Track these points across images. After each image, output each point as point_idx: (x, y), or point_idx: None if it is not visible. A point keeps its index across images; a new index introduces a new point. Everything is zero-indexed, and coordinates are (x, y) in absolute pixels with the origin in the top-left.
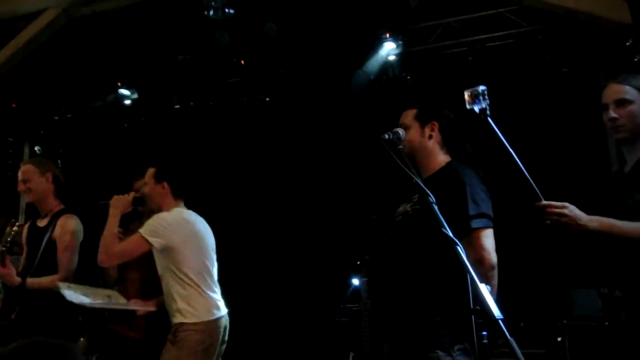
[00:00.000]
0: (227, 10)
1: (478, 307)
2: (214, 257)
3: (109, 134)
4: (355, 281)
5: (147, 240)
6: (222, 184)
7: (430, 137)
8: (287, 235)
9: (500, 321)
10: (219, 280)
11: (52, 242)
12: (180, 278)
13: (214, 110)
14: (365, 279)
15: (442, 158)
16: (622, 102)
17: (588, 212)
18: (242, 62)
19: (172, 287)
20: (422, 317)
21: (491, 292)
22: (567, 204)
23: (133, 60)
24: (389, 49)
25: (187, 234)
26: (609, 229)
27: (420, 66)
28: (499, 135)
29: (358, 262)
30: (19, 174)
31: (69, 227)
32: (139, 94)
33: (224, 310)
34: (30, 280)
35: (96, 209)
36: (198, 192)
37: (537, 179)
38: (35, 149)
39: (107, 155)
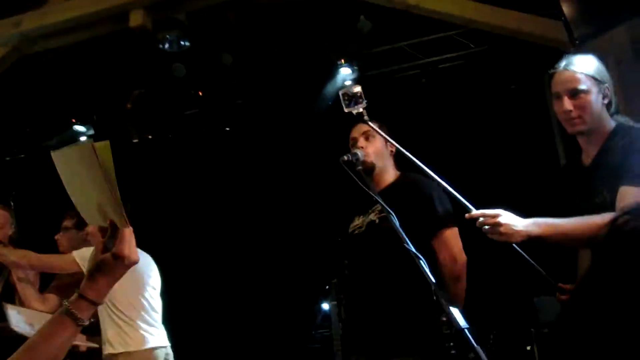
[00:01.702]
0: (182, 42)
1: (444, 319)
2: (154, 291)
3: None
4: (325, 305)
5: (77, 263)
6: (183, 216)
7: (392, 152)
8: (252, 263)
9: (466, 330)
10: (187, 311)
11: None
12: (112, 310)
13: (172, 142)
14: (335, 302)
15: (394, 171)
16: (576, 92)
17: (550, 213)
18: (200, 93)
19: (104, 318)
20: (393, 331)
21: (459, 294)
22: (499, 212)
23: (88, 96)
24: (344, 74)
25: None
26: (553, 231)
27: (376, 89)
28: (385, 138)
29: (327, 286)
30: None
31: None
32: (94, 130)
33: (162, 342)
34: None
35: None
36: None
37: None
38: None
39: (61, 194)
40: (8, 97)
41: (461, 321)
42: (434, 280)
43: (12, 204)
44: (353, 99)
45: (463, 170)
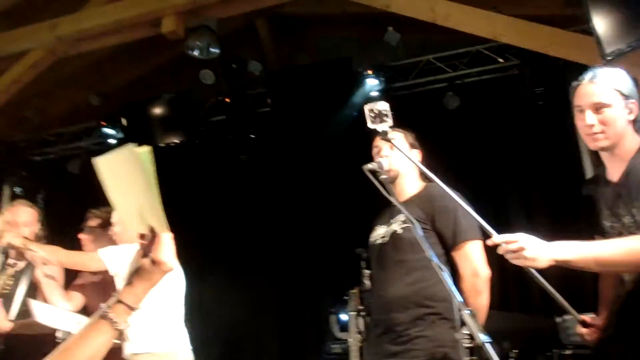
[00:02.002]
0: (211, 49)
1: (467, 332)
2: (177, 292)
3: (91, 175)
4: (344, 316)
5: (102, 262)
6: (206, 223)
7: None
8: (271, 271)
9: (487, 345)
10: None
11: (33, 285)
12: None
13: (199, 148)
14: (354, 312)
15: (420, 182)
16: (600, 107)
17: (576, 234)
18: (227, 100)
19: None
20: (421, 333)
21: (480, 309)
22: (522, 235)
23: (117, 98)
24: (371, 85)
25: None
26: (581, 256)
27: (402, 101)
28: (415, 162)
29: (345, 297)
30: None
31: (52, 268)
32: (123, 133)
33: (182, 345)
34: (19, 326)
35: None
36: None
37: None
38: (16, 190)
39: (89, 195)
40: (43, 97)
41: (482, 335)
42: (456, 293)
43: (41, 202)
44: (379, 116)
45: (489, 186)
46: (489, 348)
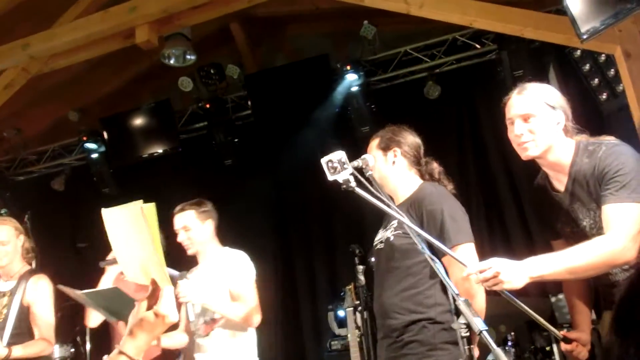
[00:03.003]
0: (187, 56)
1: (464, 322)
2: None
3: (77, 190)
4: (341, 312)
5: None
6: None
7: (394, 163)
8: (263, 275)
9: (485, 332)
10: None
11: (23, 307)
12: None
13: (183, 156)
14: (351, 308)
15: (412, 181)
16: (527, 117)
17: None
18: (208, 105)
19: None
20: (413, 338)
21: (477, 305)
22: (493, 262)
23: (96, 112)
24: (350, 80)
25: None
26: (554, 269)
27: (382, 94)
28: (372, 201)
29: (342, 293)
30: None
31: (43, 288)
32: (105, 147)
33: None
34: (16, 349)
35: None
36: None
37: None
38: (1, 211)
39: (75, 212)
40: (20, 116)
41: (480, 323)
42: (451, 284)
43: (27, 222)
44: (337, 166)
45: (475, 173)
46: (486, 335)
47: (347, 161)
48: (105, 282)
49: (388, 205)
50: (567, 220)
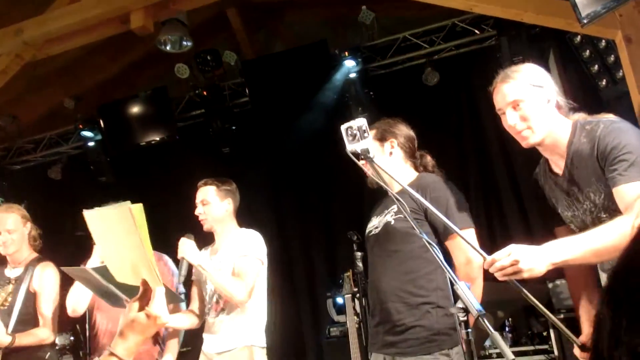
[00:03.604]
0: (184, 42)
1: (462, 306)
2: None
3: (74, 178)
4: (339, 299)
5: (262, 262)
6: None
7: (391, 154)
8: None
9: (482, 317)
10: None
11: (30, 294)
12: None
13: (180, 144)
14: (349, 295)
15: (408, 172)
16: (516, 104)
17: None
18: (205, 93)
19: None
20: (416, 323)
21: (478, 289)
22: (512, 250)
23: (93, 99)
24: (348, 67)
25: None
26: (577, 252)
27: (381, 80)
28: (394, 179)
29: (340, 280)
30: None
31: (49, 276)
32: (101, 135)
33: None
34: (19, 336)
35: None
36: (170, 222)
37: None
38: None
39: (72, 200)
40: (15, 104)
41: (477, 307)
42: (449, 268)
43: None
44: (357, 133)
45: (471, 160)
46: (484, 320)
47: (368, 129)
48: (94, 262)
49: (386, 186)
50: (569, 204)
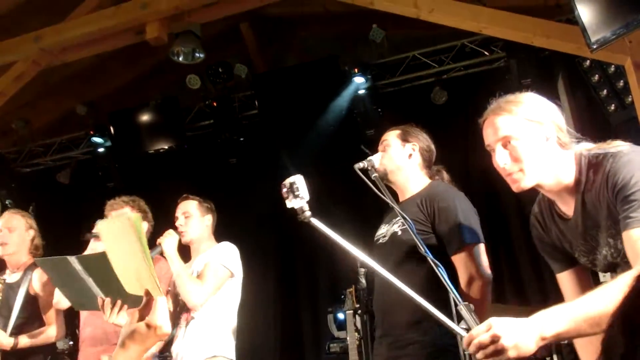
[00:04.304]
0: (196, 54)
1: (465, 327)
2: None
3: (82, 184)
4: (341, 315)
5: (231, 272)
6: None
7: (411, 156)
8: (265, 274)
9: None
10: None
11: (30, 297)
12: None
13: (188, 154)
14: (351, 311)
15: (422, 179)
16: (507, 141)
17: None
18: (215, 104)
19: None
20: (418, 338)
21: (483, 307)
22: (490, 323)
23: (104, 106)
24: (358, 83)
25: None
26: (572, 324)
27: (390, 98)
28: (327, 234)
29: (342, 296)
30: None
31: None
32: (111, 141)
33: None
34: (23, 339)
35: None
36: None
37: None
38: (7, 202)
39: (80, 205)
40: (29, 108)
41: None
42: (453, 289)
43: (31, 213)
44: (290, 191)
45: (476, 182)
46: None
47: (304, 189)
48: None
49: (393, 203)
50: (588, 250)
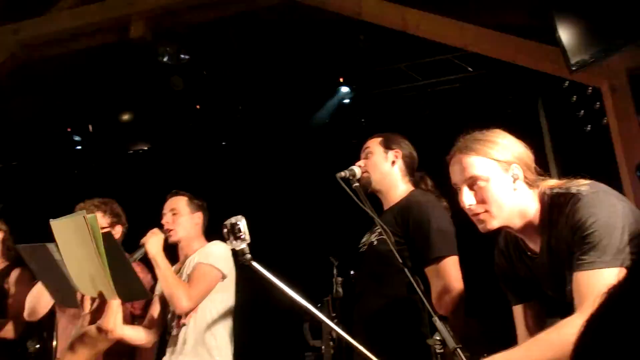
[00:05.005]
0: (181, 55)
1: (439, 338)
2: None
3: (58, 181)
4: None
5: (222, 274)
6: None
7: (394, 163)
8: (241, 281)
9: (458, 350)
10: None
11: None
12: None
13: (170, 155)
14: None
15: (405, 187)
16: (473, 181)
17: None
18: (197, 107)
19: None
20: (387, 352)
21: (457, 320)
22: None
23: (85, 105)
24: (343, 93)
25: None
26: None
27: (374, 109)
28: (267, 277)
29: (319, 304)
30: None
31: (22, 275)
32: (90, 140)
33: None
34: None
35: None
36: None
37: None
38: None
39: (54, 203)
40: (6, 103)
41: (454, 341)
42: (427, 301)
43: None
44: (232, 232)
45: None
46: (460, 353)
47: (246, 231)
48: None
49: (373, 214)
50: (552, 286)
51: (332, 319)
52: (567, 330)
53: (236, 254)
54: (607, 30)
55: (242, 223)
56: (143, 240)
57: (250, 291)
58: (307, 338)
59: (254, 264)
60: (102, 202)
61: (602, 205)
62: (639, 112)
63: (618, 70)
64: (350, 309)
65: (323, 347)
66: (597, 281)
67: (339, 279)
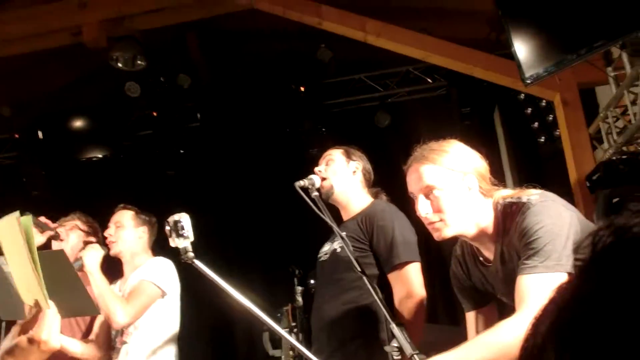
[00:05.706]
0: (137, 61)
1: (397, 345)
2: None
3: (4, 190)
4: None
5: (163, 291)
6: None
7: (355, 172)
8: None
9: (415, 356)
10: None
11: None
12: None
13: (124, 163)
14: (286, 329)
15: (367, 197)
16: (428, 191)
17: None
18: (154, 113)
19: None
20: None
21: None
22: None
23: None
24: (303, 102)
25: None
26: None
27: (334, 118)
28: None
29: (278, 314)
30: None
31: None
32: (40, 147)
33: None
34: None
35: None
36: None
37: None
38: None
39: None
40: None
41: (411, 347)
42: (385, 308)
43: None
44: (174, 229)
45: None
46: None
47: (189, 229)
48: None
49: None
50: (506, 292)
51: (291, 328)
52: (504, 331)
53: (179, 252)
54: (560, 45)
55: (185, 220)
56: (81, 253)
57: (207, 300)
58: (266, 348)
59: (197, 262)
60: (83, 216)
61: (549, 213)
62: (589, 124)
63: (569, 84)
64: (309, 317)
65: (283, 356)
66: (538, 285)
67: (299, 288)
